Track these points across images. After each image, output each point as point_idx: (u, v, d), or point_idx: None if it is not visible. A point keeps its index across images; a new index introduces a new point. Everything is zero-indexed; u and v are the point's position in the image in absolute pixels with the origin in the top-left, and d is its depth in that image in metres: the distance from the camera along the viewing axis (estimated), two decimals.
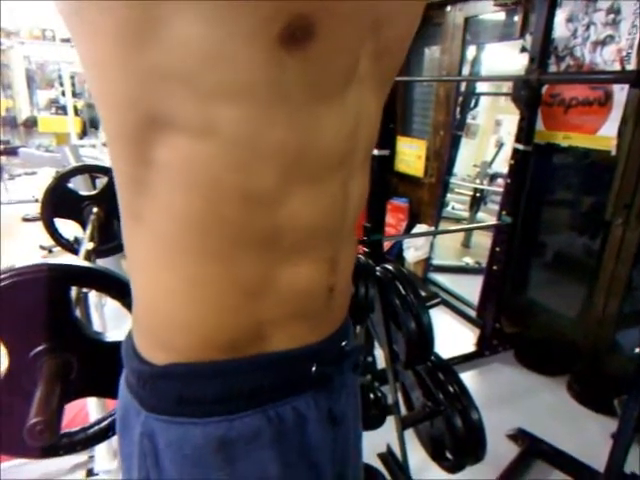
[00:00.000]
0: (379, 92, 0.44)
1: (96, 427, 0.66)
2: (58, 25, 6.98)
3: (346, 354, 0.51)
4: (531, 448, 1.65)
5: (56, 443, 0.60)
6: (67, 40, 7.07)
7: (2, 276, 0.55)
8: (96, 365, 0.63)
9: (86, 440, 0.65)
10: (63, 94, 6.67)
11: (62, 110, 6.98)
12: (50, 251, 3.16)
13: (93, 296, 1.33)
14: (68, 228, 1.33)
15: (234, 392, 0.41)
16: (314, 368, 0.45)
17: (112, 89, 0.33)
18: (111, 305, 0.68)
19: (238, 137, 0.34)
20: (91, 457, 1.09)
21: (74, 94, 7.02)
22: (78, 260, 0.67)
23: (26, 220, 4.05)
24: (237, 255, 0.38)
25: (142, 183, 0.36)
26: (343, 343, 0.50)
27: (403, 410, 1.31)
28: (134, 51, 0.31)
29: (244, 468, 0.41)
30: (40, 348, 0.57)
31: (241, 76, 0.32)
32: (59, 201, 1.26)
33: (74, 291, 0.86)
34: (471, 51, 2.96)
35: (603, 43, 1.88)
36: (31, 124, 7.07)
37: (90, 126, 7.14)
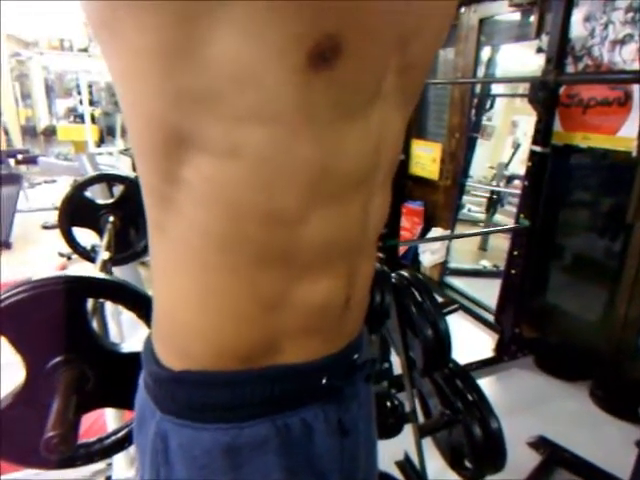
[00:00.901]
0: (403, 109, 0.43)
1: (113, 437, 0.67)
2: (75, 35, 7.15)
3: (358, 367, 0.51)
4: (553, 456, 1.61)
5: (73, 454, 0.60)
6: (84, 50, 7.24)
7: (19, 289, 0.55)
8: (112, 376, 0.63)
9: (103, 451, 0.65)
10: (81, 102, 6.81)
11: (80, 118, 7.14)
12: (69, 258, 3.21)
13: (110, 305, 1.35)
14: (86, 236, 1.35)
15: (244, 401, 0.42)
16: (324, 380, 0.45)
17: (142, 105, 0.34)
18: (128, 313, 0.68)
19: (263, 158, 0.34)
20: (109, 465, 1.09)
21: (91, 102, 7.17)
22: (94, 271, 0.67)
23: (45, 228, 4.13)
24: (255, 271, 0.39)
25: (167, 198, 0.37)
26: (355, 356, 0.51)
27: (421, 418, 1.29)
28: (168, 71, 0.31)
29: (249, 473, 0.42)
30: (57, 360, 0.58)
31: (269, 98, 0.32)
32: (76, 210, 1.27)
33: (90, 301, 0.87)
34: (486, 52, 2.93)
35: (622, 42, 1.84)
36: (50, 133, 7.24)
37: (107, 134, 7.28)
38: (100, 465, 1.13)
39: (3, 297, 0.55)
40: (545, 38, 2.06)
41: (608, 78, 1.88)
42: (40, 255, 3.50)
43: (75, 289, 0.57)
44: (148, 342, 0.47)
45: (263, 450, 0.42)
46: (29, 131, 7.25)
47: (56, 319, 0.58)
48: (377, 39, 0.34)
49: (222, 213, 0.36)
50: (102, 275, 0.63)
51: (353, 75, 0.34)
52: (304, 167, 0.35)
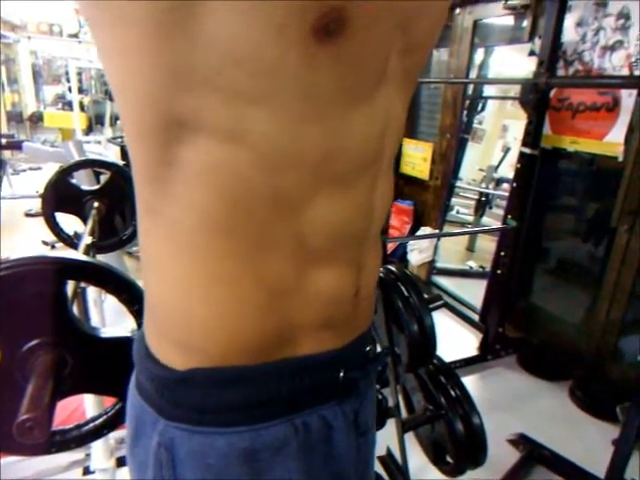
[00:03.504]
0: (404, 92, 0.42)
1: (91, 424, 0.65)
2: (65, 21, 7.01)
3: (370, 359, 0.49)
4: (532, 453, 1.64)
5: (48, 440, 0.59)
6: (75, 36, 7.10)
7: None
8: (92, 362, 0.61)
9: (80, 438, 0.64)
10: (70, 90, 6.68)
11: (68, 106, 7.02)
12: (53, 247, 3.16)
13: (92, 291, 1.32)
14: (72, 224, 1.32)
15: (261, 399, 0.39)
16: (342, 374, 0.44)
17: (136, 83, 0.32)
18: (111, 301, 0.66)
19: (266, 138, 0.33)
20: (87, 455, 1.08)
21: (81, 90, 7.04)
22: (75, 253, 0.66)
23: (29, 215, 4.06)
24: (261, 254, 0.37)
25: (163, 181, 0.35)
26: (367, 348, 0.49)
27: (404, 413, 1.30)
28: (164, 46, 0.29)
29: None
30: (33, 343, 0.56)
31: (271, 75, 0.30)
32: (60, 195, 1.25)
33: (71, 285, 0.85)
34: (479, 54, 2.94)
35: (612, 48, 1.86)
36: (37, 119, 7.09)
37: (96, 122, 7.16)
38: (78, 455, 1.12)
39: None
40: (538, 41, 2.08)
41: (597, 83, 1.90)
42: (23, 244, 3.44)
43: (54, 270, 0.55)
44: (140, 340, 0.43)
45: (284, 455, 0.40)
46: (15, 117, 7.09)
47: (33, 301, 0.56)
48: (382, 15, 0.33)
49: (225, 194, 0.34)
50: (82, 257, 0.61)
51: (358, 52, 0.33)
52: (308, 148, 0.34)
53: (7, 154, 5.26)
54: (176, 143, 0.33)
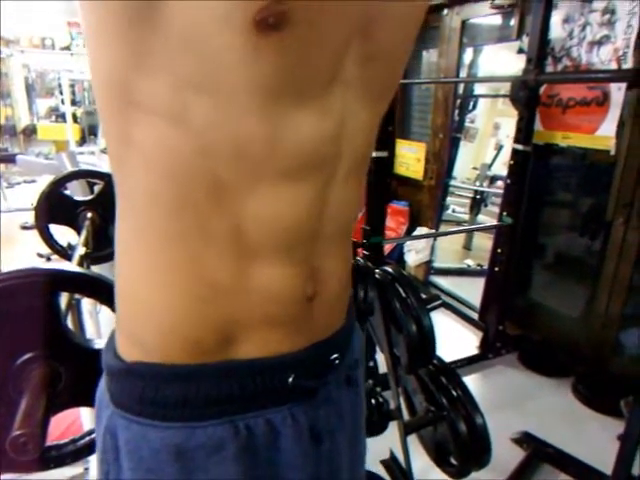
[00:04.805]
0: (371, 103, 0.41)
1: (87, 438, 0.64)
2: (57, 34, 7.02)
3: (334, 367, 0.48)
4: (537, 452, 1.63)
5: (44, 456, 0.58)
6: (66, 48, 7.11)
7: None
8: (86, 374, 0.60)
9: (76, 452, 0.63)
10: (63, 102, 6.68)
11: (62, 118, 6.99)
12: (48, 259, 3.14)
13: (87, 303, 1.31)
14: (66, 235, 1.31)
15: (197, 398, 0.39)
16: (290, 379, 0.42)
17: (103, 64, 0.34)
18: (106, 312, 0.66)
19: (208, 125, 0.33)
20: (86, 469, 1.06)
21: (73, 102, 7.03)
22: (67, 265, 0.65)
23: (24, 228, 4.04)
24: (202, 244, 0.37)
25: (123, 161, 0.36)
26: (334, 356, 0.47)
27: (406, 415, 1.29)
28: (128, 27, 0.31)
29: None
30: (26, 357, 0.55)
31: (216, 63, 0.31)
32: (54, 206, 1.24)
33: (65, 297, 0.84)
34: (468, 54, 2.96)
35: (599, 43, 1.88)
36: (30, 132, 7.08)
37: (89, 133, 7.15)
38: (77, 470, 1.10)
39: None
40: (526, 39, 2.09)
41: (586, 77, 1.92)
42: (19, 256, 3.42)
43: (45, 282, 0.55)
44: (112, 333, 0.45)
45: (221, 456, 0.39)
46: (8, 130, 7.07)
47: (26, 314, 0.55)
48: (331, 14, 0.33)
49: (168, 177, 0.35)
50: (74, 268, 0.60)
51: (303, 48, 0.33)
52: (251, 141, 0.34)
53: (1, 167, 5.25)
54: (133, 124, 0.34)
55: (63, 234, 1.31)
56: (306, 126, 0.36)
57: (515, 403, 1.95)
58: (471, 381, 2.07)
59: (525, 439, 1.68)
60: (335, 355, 0.48)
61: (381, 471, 1.43)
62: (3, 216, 4.15)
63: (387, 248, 3.10)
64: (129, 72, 0.32)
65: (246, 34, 0.30)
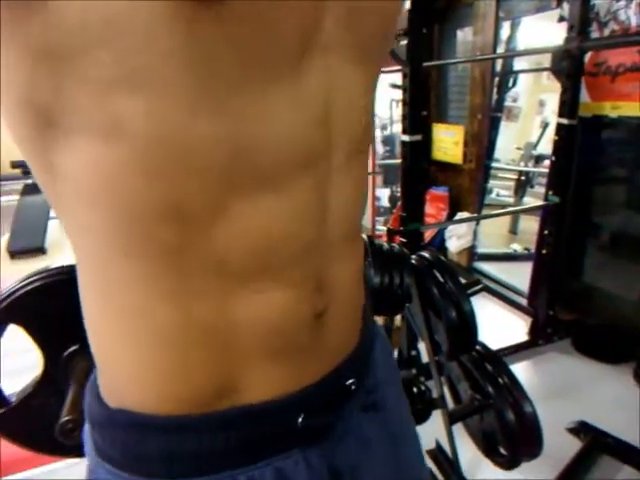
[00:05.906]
0: (361, 65, 0.33)
1: None
2: None
3: (350, 394, 0.41)
4: (595, 442, 1.54)
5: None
6: None
7: (33, 278, 0.56)
8: None
9: None
10: None
11: None
12: None
13: None
14: None
15: (184, 453, 0.33)
16: (300, 420, 0.36)
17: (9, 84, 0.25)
18: None
19: (149, 136, 0.26)
20: None
21: None
22: None
23: None
24: (175, 283, 0.30)
25: (55, 195, 0.29)
26: (350, 381, 0.41)
27: (451, 404, 1.26)
28: (12, 21, 0.23)
29: None
30: (72, 349, 0.58)
31: (145, 51, 0.23)
32: None
33: None
34: (505, 29, 2.83)
35: None
36: None
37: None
38: None
39: (17, 286, 0.56)
40: (566, 6, 1.96)
41: (636, 40, 1.77)
42: (74, 259, 3.63)
43: None
44: (95, 371, 0.39)
45: None
46: None
47: (71, 307, 0.58)
48: None
49: (113, 208, 0.28)
50: None
51: (263, 14, 0.25)
52: (209, 147, 0.27)
53: None
54: (48, 145, 0.26)
55: None
56: (278, 114, 0.28)
57: (570, 391, 1.86)
58: (521, 368, 1.99)
59: (582, 429, 1.60)
60: (351, 380, 0.41)
61: (428, 461, 1.41)
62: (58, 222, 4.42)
63: (428, 235, 3.04)
64: (30, 79, 0.25)
65: (177, 4, 0.23)
